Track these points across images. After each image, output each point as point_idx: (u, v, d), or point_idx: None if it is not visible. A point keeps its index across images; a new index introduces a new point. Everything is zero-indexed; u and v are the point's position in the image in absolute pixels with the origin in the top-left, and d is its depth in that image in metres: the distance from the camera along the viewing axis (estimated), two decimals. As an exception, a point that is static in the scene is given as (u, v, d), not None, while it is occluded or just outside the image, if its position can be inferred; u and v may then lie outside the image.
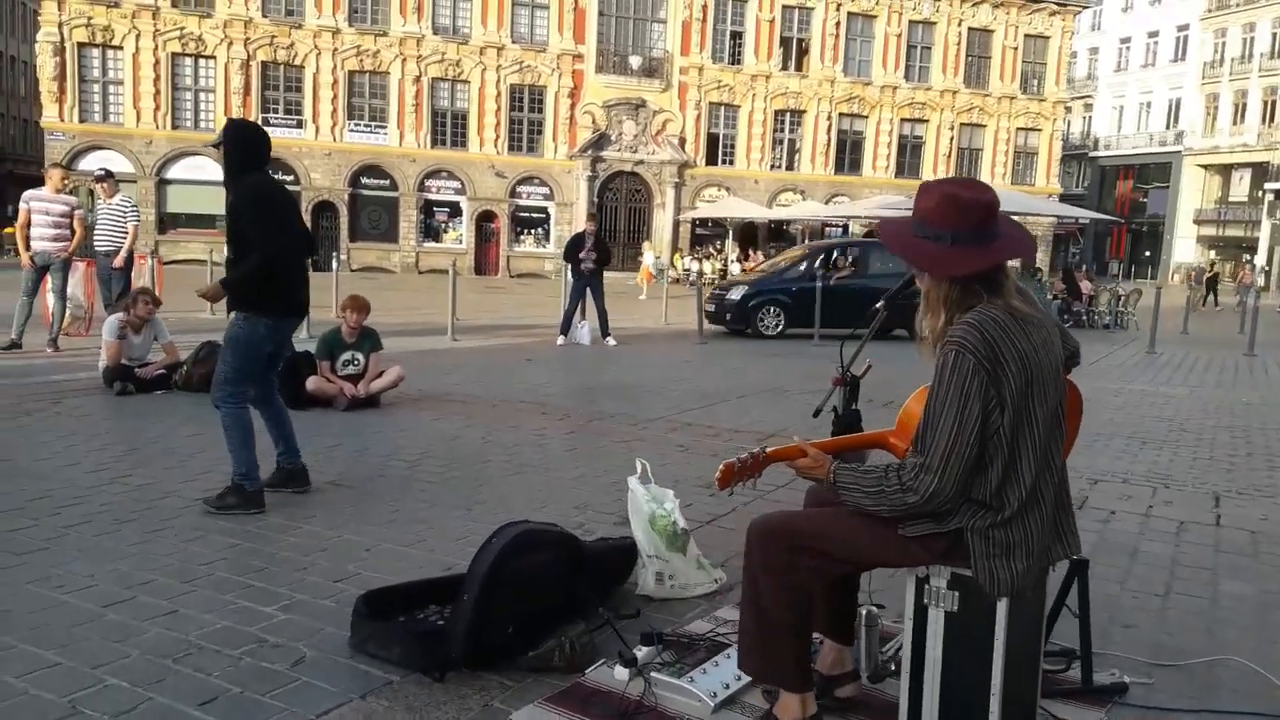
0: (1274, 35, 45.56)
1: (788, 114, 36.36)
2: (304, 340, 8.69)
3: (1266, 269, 44.40)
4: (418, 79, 32.51)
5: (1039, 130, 39.69)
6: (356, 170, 32.63)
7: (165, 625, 3.27)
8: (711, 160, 35.55)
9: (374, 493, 5.08)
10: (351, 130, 32.37)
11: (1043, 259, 39.37)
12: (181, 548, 4.09)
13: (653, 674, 2.87)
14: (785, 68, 35.83)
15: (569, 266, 12.87)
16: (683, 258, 32.28)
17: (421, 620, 3.27)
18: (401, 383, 7.76)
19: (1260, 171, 46.18)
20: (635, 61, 34.19)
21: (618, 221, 34.30)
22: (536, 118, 34.14)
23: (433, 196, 33.67)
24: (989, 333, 2.15)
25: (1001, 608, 2.26)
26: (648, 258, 26.55)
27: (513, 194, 34.13)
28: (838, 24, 36.08)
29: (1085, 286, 21.80)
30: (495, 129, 33.45)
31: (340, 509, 4.76)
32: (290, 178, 29.34)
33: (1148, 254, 51.71)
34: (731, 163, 35.85)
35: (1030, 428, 2.19)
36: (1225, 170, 48.92)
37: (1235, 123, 47.66)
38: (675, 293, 21.73)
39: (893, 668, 2.93)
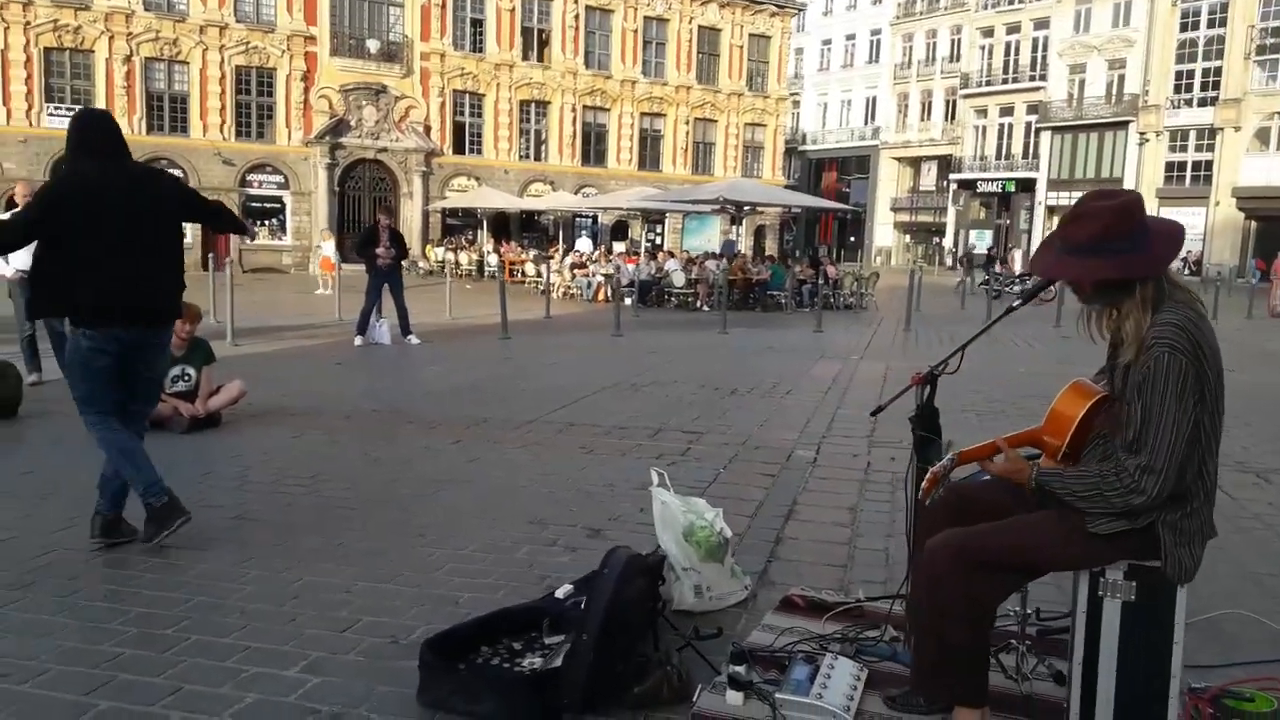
0: (953, 41, 50.98)
1: (533, 104, 36.27)
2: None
3: (954, 251, 49.83)
4: (128, 58, 29.29)
5: (764, 125, 42.16)
6: (59, 158, 28.83)
7: (184, 709, 2.76)
8: (459, 149, 34.77)
9: (294, 525, 4.55)
10: (52, 114, 28.54)
11: (771, 246, 42.05)
12: (119, 610, 3.47)
13: (778, 695, 2.78)
14: (527, 58, 35.71)
15: (364, 263, 12.14)
16: (435, 248, 31.37)
17: (483, 666, 2.98)
18: (243, 398, 7.01)
19: (945, 163, 51.59)
20: (373, 45, 32.75)
21: (361, 211, 32.66)
22: (267, 102, 31.85)
23: (151, 187, 30.47)
24: (1191, 333, 2.25)
25: (1182, 594, 2.39)
26: (327, 248, 24.37)
27: (243, 183, 31.65)
28: (577, 16, 36.39)
29: (830, 270, 23.46)
30: (221, 113, 30.85)
31: (272, 547, 4.22)
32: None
33: (852, 239, 56.47)
34: (480, 152, 35.25)
35: (1216, 420, 2.33)
36: (916, 162, 54.27)
37: (923, 119, 52.99)
38: (430, 284, 20.94)
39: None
